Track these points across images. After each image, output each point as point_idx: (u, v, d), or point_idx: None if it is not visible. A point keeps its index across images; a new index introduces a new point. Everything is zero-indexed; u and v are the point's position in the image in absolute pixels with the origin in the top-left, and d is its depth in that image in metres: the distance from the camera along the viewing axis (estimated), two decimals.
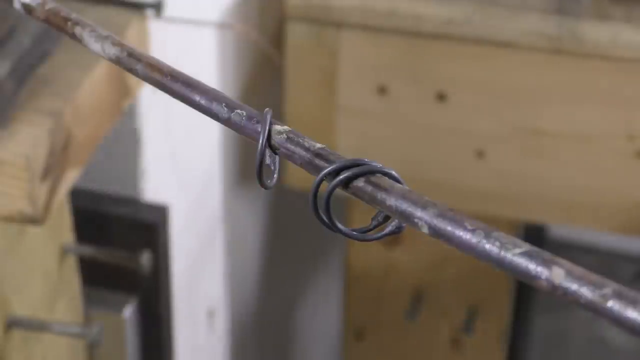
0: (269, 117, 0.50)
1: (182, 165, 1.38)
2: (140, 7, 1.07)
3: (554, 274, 0.38)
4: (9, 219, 0.92)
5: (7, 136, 0.91)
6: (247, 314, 1.83)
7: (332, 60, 1.57)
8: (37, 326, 1.06)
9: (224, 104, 0.52)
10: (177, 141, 1.35)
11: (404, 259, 1.81)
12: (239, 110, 0.51)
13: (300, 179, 1.62)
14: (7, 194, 0.90)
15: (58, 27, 0.60)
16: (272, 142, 0.50)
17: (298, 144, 0.49)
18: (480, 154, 1.57)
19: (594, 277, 0.37)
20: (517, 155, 1.57)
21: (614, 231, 1.63)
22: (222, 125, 0.52)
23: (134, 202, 1.27)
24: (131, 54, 0.56)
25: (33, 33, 0.96)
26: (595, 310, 0.37)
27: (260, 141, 0.50)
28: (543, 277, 0.38)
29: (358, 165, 0.46)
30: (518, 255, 0.39)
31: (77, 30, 0.59)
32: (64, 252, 1.12)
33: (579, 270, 0.38)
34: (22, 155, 0.89)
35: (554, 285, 0.38)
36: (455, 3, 1.51)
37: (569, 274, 0.38)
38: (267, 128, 0.50)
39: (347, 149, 1.60)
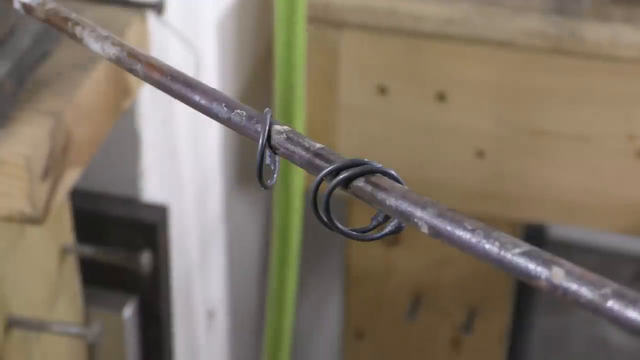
0: (269, 117, 0.50)
1: (182, 165, 1.38)
2: (140, 7, 1.07)
3: (554, 274, 0.38)
4: (9, 219, 0.92)
5: (7, 136, 0.91)
6: (247, 314, 1.83)
7: (332, 60, 1.57)
8: (37, 326, 1.06)
9: (224, 104, 0.52)
10: (177, 141, 1.35)
11: (404, 259, 1.81)
12: (239, 110, 0.51)
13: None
14: (7, 194, 0.90)
15: (58, 27, 0.60)
16: (272, 142, 0.50)
17: (298, 144, 0.49)
18: (480, 154, 1.57)
19: (594, 277, 0.37)
20: (517, 155, 1.57)
21: (614, 231, 1.63)
22: (222, 125, 0.52)
23: (134, 203, 1.27)
24: (131, 54, 0.56)
25: (33, 33, 0.96)
26: (595, 310, 0.37)
27: (260, 141, 0.50)
28: (543, 277, 0.38)
29: (358, 165, 0.46)
30: (518, 255, 0.39)
31: (77, 30, 0.59)
32: (64, 252, 1.12)
33: (579, 270, 0.38)
34: (22, 155, 0.89)
35: (554, 285, 0.38)
36: (455, 3, 1.51)
37: (569, 274, 0.38)
38: (267, 128, 0.50)
39: (347, 149, 1.60)
